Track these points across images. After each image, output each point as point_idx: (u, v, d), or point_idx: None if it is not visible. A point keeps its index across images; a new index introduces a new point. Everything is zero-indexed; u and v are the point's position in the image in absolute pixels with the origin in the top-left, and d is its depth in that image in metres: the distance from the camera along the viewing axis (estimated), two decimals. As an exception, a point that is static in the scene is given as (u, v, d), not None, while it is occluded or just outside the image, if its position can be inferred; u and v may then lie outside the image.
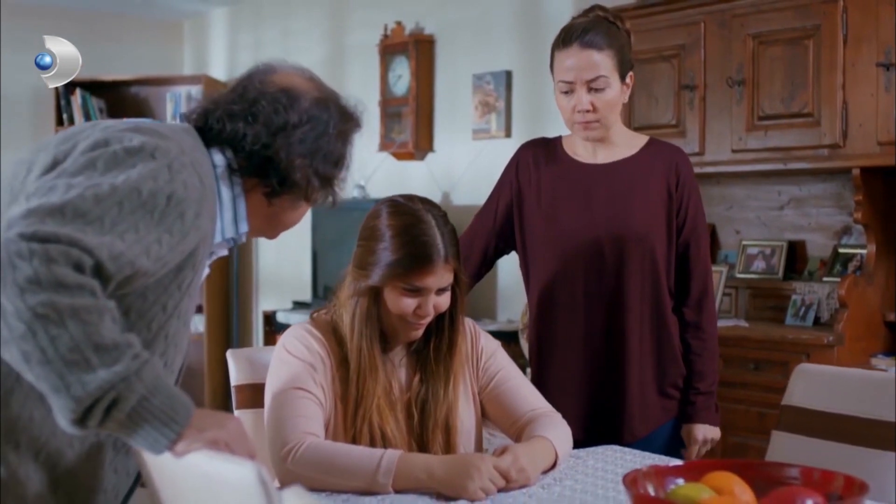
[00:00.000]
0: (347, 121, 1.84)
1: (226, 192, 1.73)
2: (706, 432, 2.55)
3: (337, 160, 1.82)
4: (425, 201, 2.20)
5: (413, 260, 2.10)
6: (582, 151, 2.61)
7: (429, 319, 2.16)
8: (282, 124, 1.74)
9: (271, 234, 1.89)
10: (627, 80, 2.54)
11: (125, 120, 1.68)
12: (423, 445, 2.17)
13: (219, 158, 1.73)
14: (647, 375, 2.53)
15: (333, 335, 2.18)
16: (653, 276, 2.52)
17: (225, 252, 1.84)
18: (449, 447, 2.19)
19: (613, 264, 2.51)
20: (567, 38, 2.51)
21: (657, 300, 2.53)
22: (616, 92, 2.50)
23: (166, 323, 1.64)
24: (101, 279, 1.45)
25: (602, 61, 2.47)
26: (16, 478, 1.56)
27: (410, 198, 2.20)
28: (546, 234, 2.57)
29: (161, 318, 1.62)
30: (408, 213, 2.15)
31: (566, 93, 2.51)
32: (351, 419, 2.13)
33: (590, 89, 2.48)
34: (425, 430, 2.19)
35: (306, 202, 1.83)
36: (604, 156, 2.58)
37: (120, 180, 1.51)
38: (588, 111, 2.49)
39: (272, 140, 1.73)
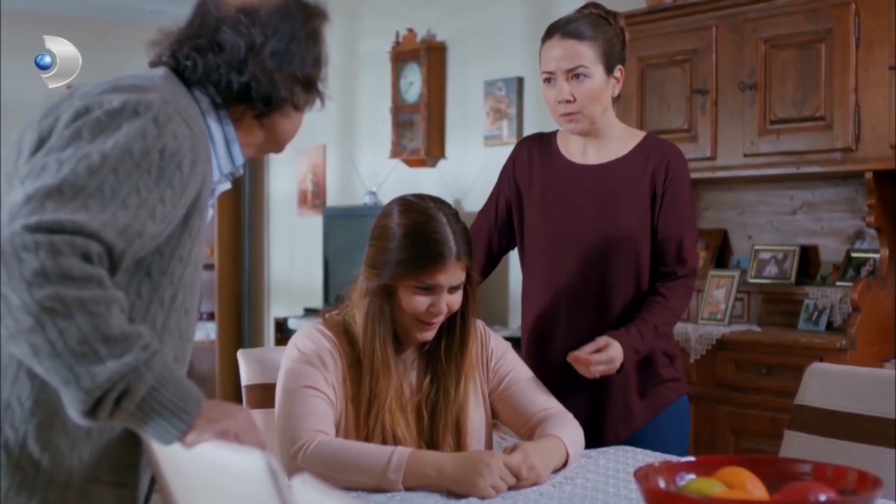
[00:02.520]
0: (313, 18, 1.79)
1: (215, 128, 1.71)
2: (614, 348, 2.37)
3: (314, 60, 1.78)
4: (436, 200, 2.20)
5: (425, 258, 2.10)
6: (574, 150, 2.58)
7: (441, 319, 2.15)
8: (249, 45, 1.70)
9: (276, 148, 1.85)
10: (616, 73, 2.50)
11: (100, 82, 1.65)
12: (433, 447, 2.16)
13: (201, 95, 1.70)
14: (629, 377, 2.48)
15: (345, 335, 2.18)
16: (637, 280, 2.49)
17: (228, 186, 1.81)
18: (460, 448, 2.18)
19: (598, 267, 2.49)
20: (550, 30, 2.51)
21: (639, 304, 2.49)
22: (599, 83, 2.47)
23: (184, 273, 1.63)
24: (113, 260, 1.45)
25: (582, 51, 2.45)
26: (60, 465, 1.55)
27: (421, 196, 2.20)
28: (538, 231, 2.56)
29: (179, 270, 1.62)
30: (419, 211, 2.15)
31: (548, 82, 2.49)
32: (364, 419, 2.12)
33: (570, 79, 2.46)
34: (436, 432, 2.18)
35: (297, 111, 1.79)
36: (595, 155, 2.55)
37: (109, 146, 1.49)
38: (568, 101, 2.46)
39: (245, 64, 1.69)
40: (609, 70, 2.49)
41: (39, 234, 1.39)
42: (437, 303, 2.12)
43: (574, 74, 2.46)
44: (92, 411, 1.41)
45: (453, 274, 2.12)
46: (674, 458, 1.92)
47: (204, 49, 1.70)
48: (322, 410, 2.08)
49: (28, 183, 1.47)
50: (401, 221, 2.14)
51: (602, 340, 2.39)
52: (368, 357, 2.13)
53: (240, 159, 1.76)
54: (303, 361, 2.13)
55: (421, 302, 2.11)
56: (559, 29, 2.49)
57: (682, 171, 2.53)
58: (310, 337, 2.17)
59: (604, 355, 2.37)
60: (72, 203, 1.43)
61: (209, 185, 1.66)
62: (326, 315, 2.24)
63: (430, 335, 2.17)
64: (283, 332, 6.39)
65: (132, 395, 1.41)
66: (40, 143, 1.57)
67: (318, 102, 1.83)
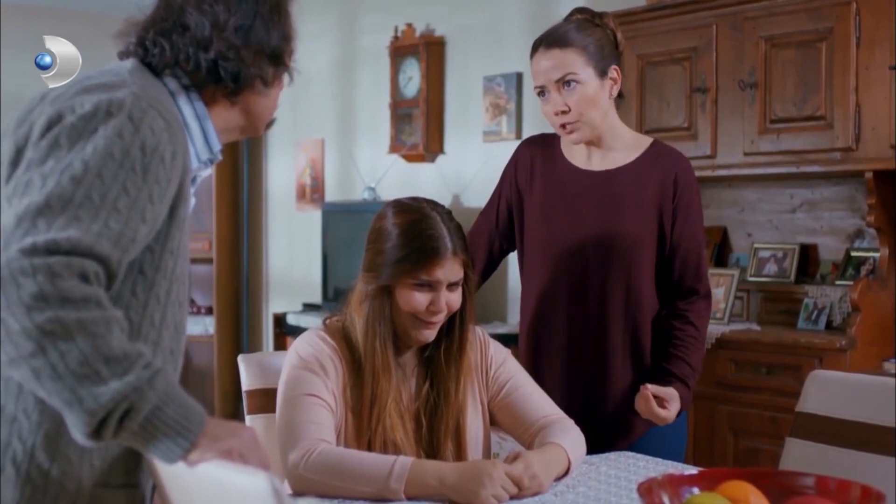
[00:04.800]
0: None
1: (189, 115, 1.70)
2: (672, 410, 2.40)
3: (280, 35, 1.76)
4: (429, 201, 2.22)
5: (421, 254, 2.11)
6: (578, 154, 2.55)
7: (441, 318, 2.15)
8: (213, 22, 1.69)
9: (253, 130, 1.82)
10: (612, 74, 2.46)
11: (69, 82, 1.64)
12: (433, 455, 2.16)
13: (171, 82, 1.69)
14: (626, 388, 2.47)
15: (345, 341, 2.18)
16: (636, 290, 2.47)
17: (209, 171, 1.80)
18: (459, 455, 2.18)
19: (597, 273, 2.47)
20: (535, 44, 2.48)
21: (638, 313, 2.48)
22: (592, 88, 2.43)
23: (175, 266, 1.62)
24: (110, 272, 1.45)
25: (569, 58, 2.41)
26: (69, 474, 1.54)
27: (415, 199, 2.23)
28: (538, 236, 2.54)
29: (171, 263, 1.61)
30: (413, 210, 2.17)
31: (542, 96, 2.47)
32: (366, 422, 2.12)
33: (561, 88, 2.42)
34: (435, 438, 2.18)
35: (267, 87, 1.77)
36: (599, 161, 2.52)
37: (89, 152, 1.48)
38: (564, 112, 2.43)
39: (210, 42, 1.68)
40: (602, 73, 2.44)
41: (36, 257, 1.39)
42: (437, 300, 2.12)
43: (565, 83, 2.42)
44: (96, 432, 1.40)
45: (451, 269, 2.12)
46: (677, 471, 1.91)
47: (169, 31, 1.69)
48: (323, 418, 2.08)
49: (15, 202, 1.47)
50: (396, 221, 2.15)
51: (669, 393, 2.39)
52: (369, 358, 2.13)
53: (217, 145, 1.74)
54: (303, 368, 2.13)
55: (420, 300, 2.12)
56: (543, 40, 2.46)
57: (692, 183, 2.51)
58: (310, 343, 2.17)
59: (661, 412, 2.37)
60: (62, 217, 1.42)
61: (189, 174, 1.65)
62: (327, 321, 2.24)
63: (430, 335, 2.17)
64: (282, 328, 6.39)
65: (135, 414, 1.41)
66: (17, 154, 1.56)
67: (288, 78, 1.81)
